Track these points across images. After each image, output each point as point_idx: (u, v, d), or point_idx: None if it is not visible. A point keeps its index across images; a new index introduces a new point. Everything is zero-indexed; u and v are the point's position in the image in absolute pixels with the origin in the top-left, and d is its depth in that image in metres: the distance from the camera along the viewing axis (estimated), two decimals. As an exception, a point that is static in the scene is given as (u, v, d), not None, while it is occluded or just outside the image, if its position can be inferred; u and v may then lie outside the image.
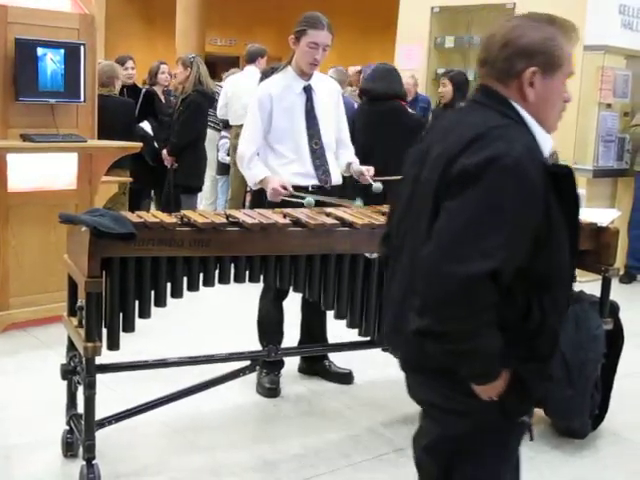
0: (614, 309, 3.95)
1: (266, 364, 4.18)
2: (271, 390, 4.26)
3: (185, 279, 3.26)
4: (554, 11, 7.20)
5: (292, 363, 4.49)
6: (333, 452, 3.63)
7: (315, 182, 4.12)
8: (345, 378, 4.47)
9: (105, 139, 5.36)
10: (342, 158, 4.32)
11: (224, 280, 3.33)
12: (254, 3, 19.26)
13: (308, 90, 4.15)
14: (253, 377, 3.83)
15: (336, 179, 4.21)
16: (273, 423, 3.92)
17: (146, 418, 3.55)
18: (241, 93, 8.00)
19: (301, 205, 3.80)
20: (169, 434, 3.74)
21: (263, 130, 4.11)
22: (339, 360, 4.52)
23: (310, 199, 3.83)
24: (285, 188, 3.93)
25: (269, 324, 4.30)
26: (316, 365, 4.51)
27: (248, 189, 7.89)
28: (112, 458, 3.40)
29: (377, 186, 4.03)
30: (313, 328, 4.45)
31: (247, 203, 7.86)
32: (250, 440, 3.72)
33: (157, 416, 3.64)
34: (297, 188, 3.98)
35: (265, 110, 4.09)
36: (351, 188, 4.48)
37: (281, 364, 4.33)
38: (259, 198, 4.12)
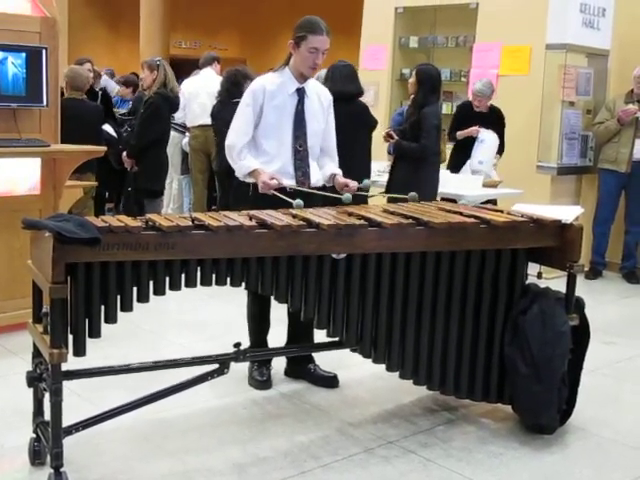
0: (580, 305, 3.98)
1: None
2: (263, 383, 4.34)
3: (151, 283, 3.24)
4: (516, 11, 7.29)
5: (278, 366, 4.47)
6: (303, 454, 3.62)
7: (292, 183, 4.14)
8: (330, 381, 4.45)
9: (79, 143, 5.34)
10: (326, 168, 4.34)
11: (190, 283, 3.31)
12: (218, 6, 19.23)
13: (301, 92, 4.19)
14: (221, 380, 3.81)
15: (314, 182, 4.23)
16: (242, 426, 3.91)
17: (114, 424, 3.51)
18: (199, 92, 8.05)
19: (289, 205, 3.79)
20: (138, 440, 3.71)
21: (254, 122, 4.15)
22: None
23: (299, 201, 3.79)
24: (273, 179, 4.00)
25: (252, 319, 4.43)
26: (300, 368, 4.50)
27: (216, 194, 7.90)
28: (80, 465, 3.37)
29: (347, 196, 4.00)
30: (298, 329, 4.44)
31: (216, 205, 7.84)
32: (219, 444, 3.70)
33: (125, 422, 3.61)
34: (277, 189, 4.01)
35: (257, 102, 4.14)
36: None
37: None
38: (244, 191, 4.16)
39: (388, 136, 6.16)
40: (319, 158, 4.33)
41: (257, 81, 4.30)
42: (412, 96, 6.22)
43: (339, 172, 4.34)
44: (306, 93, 4.21)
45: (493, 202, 6.80)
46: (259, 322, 4.44)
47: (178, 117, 8.42)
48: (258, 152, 4.18)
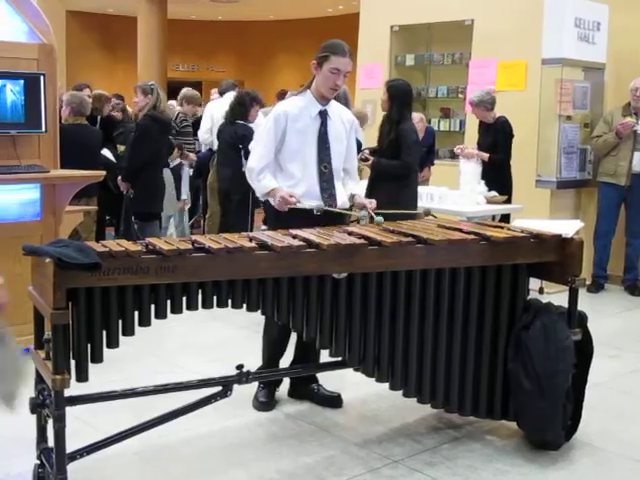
0: (582, 319, 3.97)
1: None
2: (264, 404, 4.34)
3: (152, 307, 3.24)
4: (511, 26, 7.30)
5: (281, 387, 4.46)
6: (308, 475, 3.61)
7: (320, 204, 4.15)
8: (334, 401, 4.44)
9: (84, 168, 5.37)
10: (346, 187, 4.36)
11: (192, 306, 3.31)
12: (215, 29, 19.34)
13: (323, 115, 4.21)
14: (226, 402, 3.80)
15: (341, 203, 4.24)
16: (247, 448, 3.89)
17: (118, 449, 3.50)
18: (221, 116, 8.12)
19: (309, 212, 3.84)
20: (142, 464, 3.70)
21: (275, 147, 4.17)
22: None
23: (320, 204, 3.86)
24: (292, 196, 4.04)
25: (270, 343, 4.40)
26: (304, 389, 4.50)
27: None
28: (85, 491, 3.36)
29: (378, 219, 4.03)
30: (306, 352, 4.40)
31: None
32: (224, 466, 3.69)
33: (129, 446, 3.59)
34: (302, 210, 4.05)
35: (280, 127, 4.15)
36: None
37: (278, 380, 4.42)
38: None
39: (363, 160, 6.07)
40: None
41: (280, 105, 4.33)
42: (384, 113, 6.07)
43: (360, 192, 4.39)
44: (329, 115, 4.22)
45: (506, 219, 6.78)
46: (278, 347, 4.41)
47: (204, 139, 8.64)
48: (284, 175, 4.20)
